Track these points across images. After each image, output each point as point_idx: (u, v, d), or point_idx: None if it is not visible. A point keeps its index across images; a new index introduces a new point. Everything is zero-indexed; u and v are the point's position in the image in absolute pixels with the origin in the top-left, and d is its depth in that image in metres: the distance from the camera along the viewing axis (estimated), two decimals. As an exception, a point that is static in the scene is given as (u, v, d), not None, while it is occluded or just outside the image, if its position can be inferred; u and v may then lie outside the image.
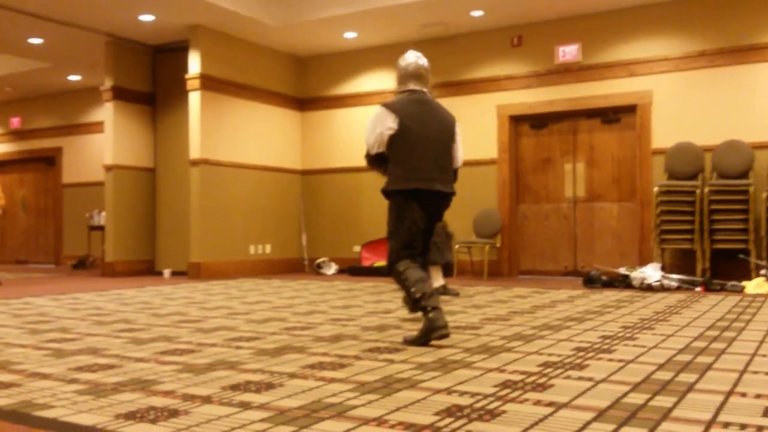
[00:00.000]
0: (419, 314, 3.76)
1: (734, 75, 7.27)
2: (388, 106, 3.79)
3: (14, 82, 11.63)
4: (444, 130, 3.87)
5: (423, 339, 3.45)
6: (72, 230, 12.20)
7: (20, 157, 13.09)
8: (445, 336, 3.42)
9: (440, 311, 3.46)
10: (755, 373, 2.71)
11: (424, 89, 3.94)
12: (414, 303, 3.60)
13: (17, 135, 13.05)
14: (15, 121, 13.03)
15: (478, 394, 2.41)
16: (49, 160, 12.76)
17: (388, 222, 3.91)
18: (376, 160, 3.86)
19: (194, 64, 8.61)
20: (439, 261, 5.98)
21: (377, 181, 9.78)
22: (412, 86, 3.92)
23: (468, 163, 8.66)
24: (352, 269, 9.05)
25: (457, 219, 8.80)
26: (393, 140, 3.74)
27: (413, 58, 3.97)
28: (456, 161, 3.94)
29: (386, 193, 3.86)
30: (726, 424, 2.00)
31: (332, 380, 2.67)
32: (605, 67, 7.93)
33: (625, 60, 7.82)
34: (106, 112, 9.27)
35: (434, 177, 3.75)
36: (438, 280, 5.94)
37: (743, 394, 2.36)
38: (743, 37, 7.24)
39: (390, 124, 3.74)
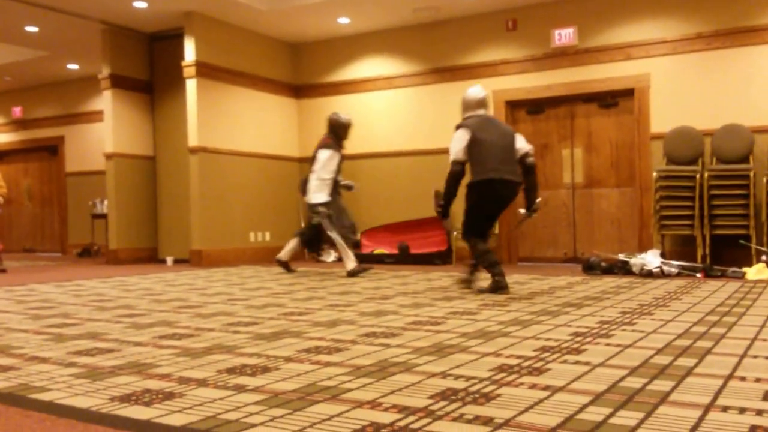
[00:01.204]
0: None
1: (733, 57, 7.20)
2: (462, 126, 5.18)
3: (14, 72, 11.69)
4: (505, 136, 5.14)
5: (491, 291, 5.04)
6: (76, 219, 12.35)
7: (23, 146, 13.23)
8: (507, 293, 5.02)
9: (503, 275, 5.04)
10: (755, 357, 2.67)
11: (487, 113, 5.33)
12: (486, 268, 5.08)
13: (20, 124, 13.16)
14: (17, 111, 13.13)
15: (473, 378, 2.38)
16: (52, 149, 12.89)
17: (465, 207, 5.22)
18: (458, 176, 5.15)
19: (189, 51, 8.60)
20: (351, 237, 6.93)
21: (375, 169, 9.85)
22: (479, 112, 5.27)
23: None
24: (352, 257, 9.03)
25: (456, 206, 8.75)
26: (469, 148, 5.08)
27: (479, 91, 5.34)
28: (520, 150, 5.18)
29: (469, 185, 5.13)
30: (725, 408, 1.97)
31: (328, 364, 2.66)
32: (602, 50, 7.86)
33: (622, 43, 7.75)
34: (105, 101, 9.32)
35: (501, 169, 5.00)
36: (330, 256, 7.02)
37: (743, 378, 2.32)
38: (742, 19, 7.16)
39: (467, 135, 5.10)
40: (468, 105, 5.34)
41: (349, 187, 7.23)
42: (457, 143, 5.13)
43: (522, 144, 5.22)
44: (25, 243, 13.54)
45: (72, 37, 9.53)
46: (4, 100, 13.33)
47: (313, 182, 6.85)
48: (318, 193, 6.81)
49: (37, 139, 12.96)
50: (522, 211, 5.36)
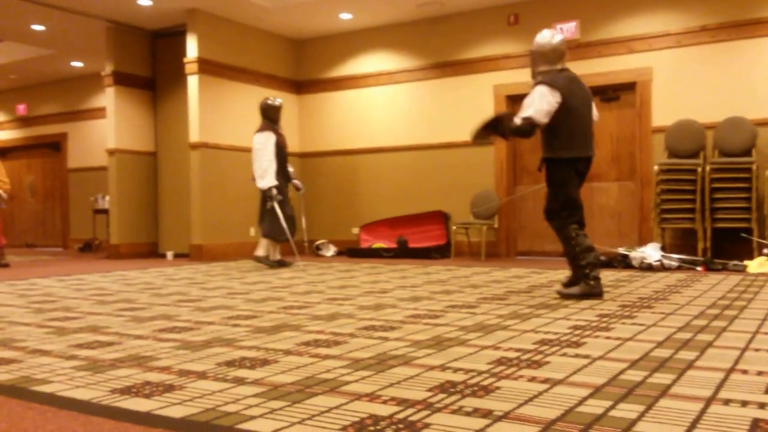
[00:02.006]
0: None
1: (737, 50, 7.17)
2: (551, 84, 4.26)
3: (19, 70, 11.85)
4: (589, 103, 4.45)
5: (578, 297, 4.27)
6: (78, 214, 12.47)
7: (27, 143, 13.40)
8: (600, 298, 4.25)
9: (599, 280, 4.30)
10: (757, 350, 2.66)
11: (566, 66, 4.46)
12: (579, 268, 4.31)
13: (23, 122, 13.33)
14: (21, 108, 13.28)
15: (472, 370, 2.38)
16: (55, 146, 13.04)
17: (552, 185, 4.44)
18: (531, 131, 4.27)
19: (192, 48, 8.65)
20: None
21: (375, 163, 9.82)
22: (559, 65, 4.39)
23: (465, 144, 8.67)
24: (351, 251, 9.05)
25: (455, 200, 8.77)
26: (558, 114, 4.24)
27: (555, 36, 4.39)
28: (594, 117, 4.52)
29: (553, 160, 4.37)
30: (727, 401, 1.95)
31: (326, 357, 2.66)
32: (604, 44, 7.83)
33: (624, 36, 7.72)
34: (107, 98, 9.42)
35: (590, 144, 4.41)
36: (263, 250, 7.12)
37: (744, 372, 2.31)
38: (746, 11, 7.12)
39: (556, 99, 4.23)
40: (545, 56, 4.39)
41: (297, 188, 7.40)
42: (543, 103, 4.23)
43: (595, 112, 4.56)
44: (27, 238, 13.66)
45: (77, 35, 9.64)
46: (8, 97, 13.48)
47: (257, 169, 6.97)
48: (264, 179, 6.92)
49: (40, 136, 13.10)
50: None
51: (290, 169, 7.39)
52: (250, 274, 6.57)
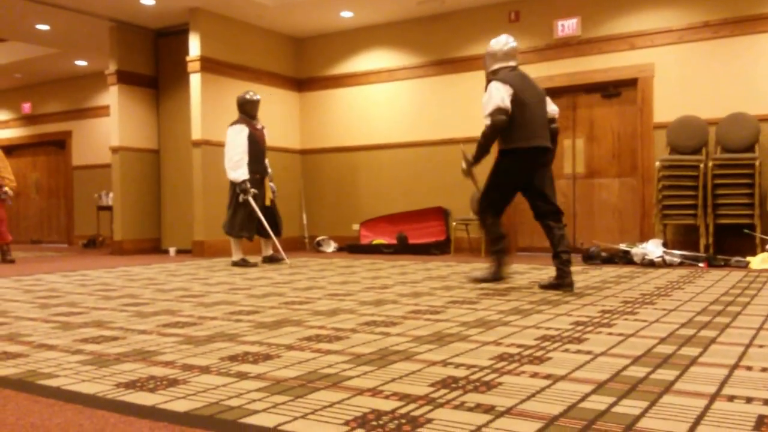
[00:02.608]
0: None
1: (739, 46, 7.15)
2: (502, 80, 4.57)
3: (24, 69, 11.99)
4: (541, 97, 4.69)
5: (487, 281, 4.84)
6: (82, 211, 12.61)
7: (32, 141, 13.57)
8: (505, 282, 4.85)
9: (504, 267, 4.82)
10: (761, 347, 2.65)
11: (518, 65, 4.80)
12: (492, 253, 4.84)
13: (29, 120, 13.49)
14: (26, 107, 13.46)
15: (474, 366, 2.37)
16: (60, 144, 13.19)
17: (493, 175, 4.74)
18: (503, 126, 4.53)
19: (194, 46, 8.71)
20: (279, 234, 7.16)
21: (375, 160, 9.84)
22: (511, 63, 4.74)
23: (465, 140, 8.63)
24: (351, 247, 9.05)
25: (455, 196, 8.76)
26: (511, 108, 4.53)
27: (510, 43, 4.78)
28: (550, 113, 4.73)
29: (506, 152, 4.64)
30: (731, 397, 1.95)
31: (328, 352, 2.66)
32: (605, 40, 7.82)
33: (626, 33, 7.70)
34: (111, 96, 9.53)
35: (542, 134, 4.62)
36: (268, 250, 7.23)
37: (749, 368, 2.30)
38: (748, 7, 7.10)
39: (509, 92, 4.52)
40: (495, 56, 4.78)
41: (272, 190, 7.30)
42: (500, 93, 4.52)
43: (552, 107, 4.79)
44: (32, 234, 13.83)
45: (81, 34, 9.72)
46: (14, 96, 13.64)
47: (227, 161, 6.91)
48: (236, 171, 6.85)
49: (45, 134, 13.25)
50: None
51: (269, 170, 7.29)
52: (251, 270, 6.59)
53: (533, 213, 4.73)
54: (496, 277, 4.82)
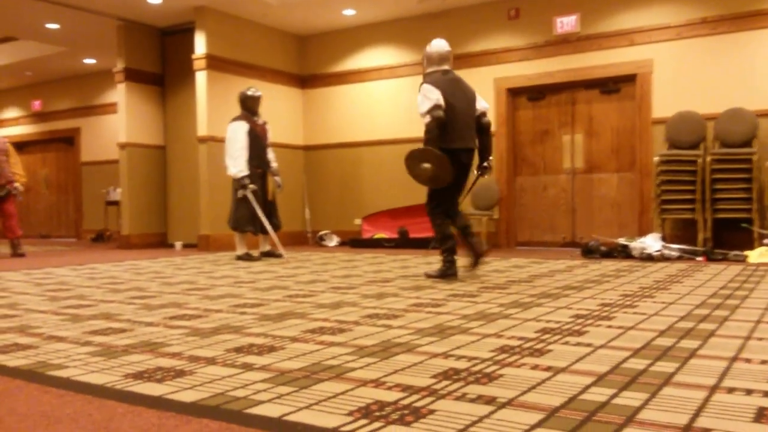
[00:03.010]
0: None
1: (737, 42, 7.17)
2: (432, 83, 4.84)
3: (34, 67, 12.21)
4: (470, 100, 4.98)
5: (437, 277, 4.98)
6: (91, 206, 12.83)
7: (42, 137, 13.82)
8: (455, 280, 4.90)
9: (454, 264, 4.97)
10: (760, 339, 2.66)
11: (451, 69, 5.03)
12: (442, 252, 5.00)
13: (39, 117, 13.74)
14: (36, 104, 13.71)
15: (475, 358, 2.39)
16: (69, 140, 13.43)
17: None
18: (442, 122, 4.76)
19: (200, 44, 8.82)
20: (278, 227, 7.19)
21: (377, 156, 9.86)
22: (444, 67, 4.99)
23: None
24: (353, 241, 9.11)
25: (456, 190, 8.78)
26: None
27: (443, 44, 5.03)
28: (479, 110, 5.04)
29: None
30: (730, 389, 1.96)
31: (332, 344, 2.68)
32: (604, 36, 7.84)
33: (625, 29, 7.72)
34: (119, 93, 9.68)
35: (466, 136, 4.93)
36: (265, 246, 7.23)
37: (748, 360, 2.31)
38: (746, 3, 7.12)
39: (437, 95, 4.77)
40: (431, 59, 5.03)
41: (277, 185, 7.33)
42: (433, 93, 4.78)
43: (482, 104, 5.08)
44: (42, 229, 14.05)
45: (89, 32, 9.88)
46: (24, 94, 13.86)
47: (227, 158, 6.93)
48: (235, 167, 6.87)
49: (54, 131, 13.47)
50: (475, 171, 5.24)
51: (274, 164, 7.29)
52: (255, 264, 6.65)
53: (448, 208, 5.07)
54: (448, 273, 4.97)
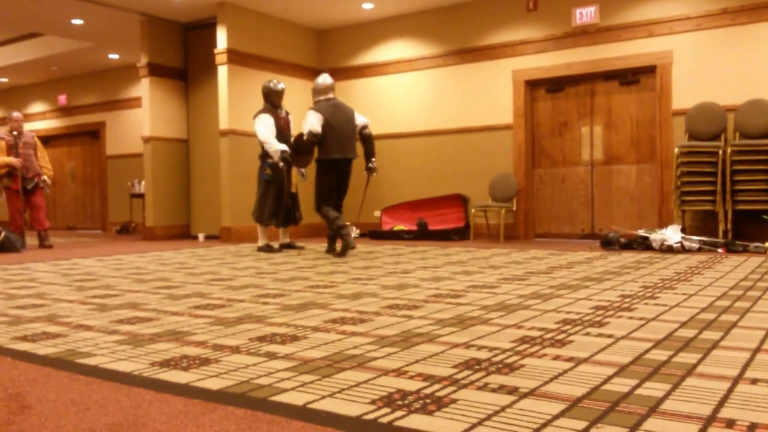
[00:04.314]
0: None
1: (758, 33, 7.09)
2: (316, 110, 6.33)
3: (60, 62, 12.40)
4: (348, 120, 6.41)
5: (341, 253, 6.26)
6: (116, 198, 13.07)
7: (68, 131, 14.05)
8: (353, 248, 6.58)
9: (350, 235, 6.25)
10: (781, 330, 2.65)
11: (334, 96, 6.50)
12: (336, 230, 6.28)
13: (64, 111, 13.96)
14: (62, 99, 13.94)
15: (496, 348, 2.40)
16: (94, 134, 13.68)
17: (317, 179, 6.41)
18: (313, 142, 6.29)
19: (222, 39, 8.92)
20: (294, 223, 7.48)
21: (395, 149, 9.87)
22: (329, 96, 6.47)
23: (484, 129, 8.71)
24: (373, 233, 9.13)
25: (474, 183, 8.79)
26: (323, 129, 6.25)
27: (326, 77, 6.50)
28: (359, 125, 6.50)
29: (320, 161, 6.36)
30: (754, 380, 1.95)
31: (353, 334, 2.70)
32: (624, 28, 7.78)
33: (644, 20, 7.66)
34: (142, 88, 9.81)
35: (344, 149, 6.30)
36: (285, 238, 7.43)
37: (771, 351, 2.30)
38: (769, -7, 7.05)
39: (319, 117, 6.27)
40: (317, 91, 6.45)
41: (300, 174, 7.42)
42: (314, 119, 6.25)
43: (361, 120, 6.49)
44: (68, 221, 14.33)
45: (114, 28, 10.02)
46: (50, 88, 14.10)
47: (265, 146, 6.97)
48: (272, 148, 6.87)
49: (80, 125, 13.68)
50: (365, 172, 6.57)
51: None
52: (276, 255, 6.70)
53: (334, 205, 6.43)
54: (347, 244, 6.19)
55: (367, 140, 6.50)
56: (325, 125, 6.25)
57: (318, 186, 6.36)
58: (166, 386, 1.99)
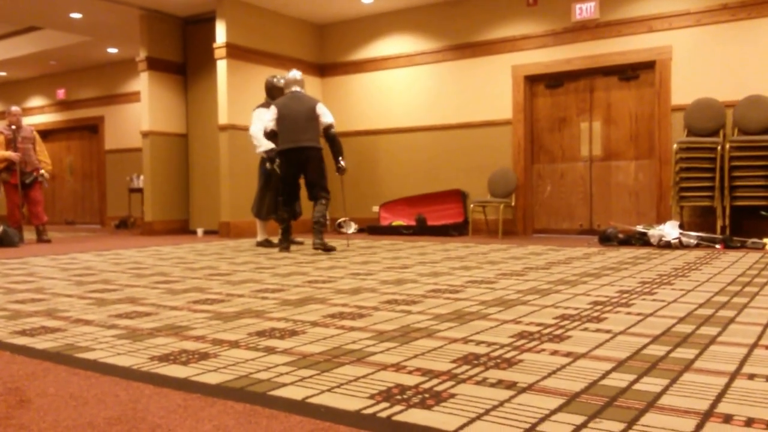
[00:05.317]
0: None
1: (757, 28, 7.09)
2: (273, 103, 6.41)
3: (59, 56, 12.40)
4: (304, 109, 6.27)
5: (280, 247, 6.48)
6: (114, 193, 13.07)
7: (66, 126, 14.04)
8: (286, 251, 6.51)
9: (289, 234, 6.55)
10: (779, 326, 2.66)
11: (300, 89, 6.47)
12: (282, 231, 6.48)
13: (63, 105, 13.96)
14: (61, 93, 13.93)
15: (494, 343, 2.40)
16: (93, 128, 13.68)
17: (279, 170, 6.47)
18: (272, 135, 6.33)
19: (221, 33, 8.88)
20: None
21: (395, 144, 9.88)
22: (292, 89, 6.45)
23: (483, 124, 8.71)
24: (371, 228, 9.13)
25: (472, 179, 8.79)
26: (277, 122, 6.28)
27: (296, 74, 6.50)
28: (323, 124, 6.35)
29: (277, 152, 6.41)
30: (751, 376, 1.96)
31: (352, 329, 2.70)
32: (623, 23, 7.78)
33: (644, 15, 7.65)
34: (141, 82, 9.79)
35: (300, 138, 6.21)
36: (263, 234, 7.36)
37: (768, 347, 2.31)
38: (768, -11, 7.04)
39: (273, 112, 6.32)
40: (285, 85, 6.54)
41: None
42: (269, 116, 6.33)
43: (325, 119, 6.34)
44: (67, 216, 14.32)
45: (112, 22, 9.99)
46: (49, 83, 14.07)
47: (254, 140, 7.01)
48: (261, 147, 6.90)
49: (78, 119, 13.68)
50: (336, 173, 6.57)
51: None
52: (275, 250, 6.71)
53: (307, 195, 6.42)
54: (285, 244, 6.42)
55: (332, 141, 6.38)
56: (279, 118, 6.25)
57: (279, 177, 6.44)
58: (165, 381, 2.00)
